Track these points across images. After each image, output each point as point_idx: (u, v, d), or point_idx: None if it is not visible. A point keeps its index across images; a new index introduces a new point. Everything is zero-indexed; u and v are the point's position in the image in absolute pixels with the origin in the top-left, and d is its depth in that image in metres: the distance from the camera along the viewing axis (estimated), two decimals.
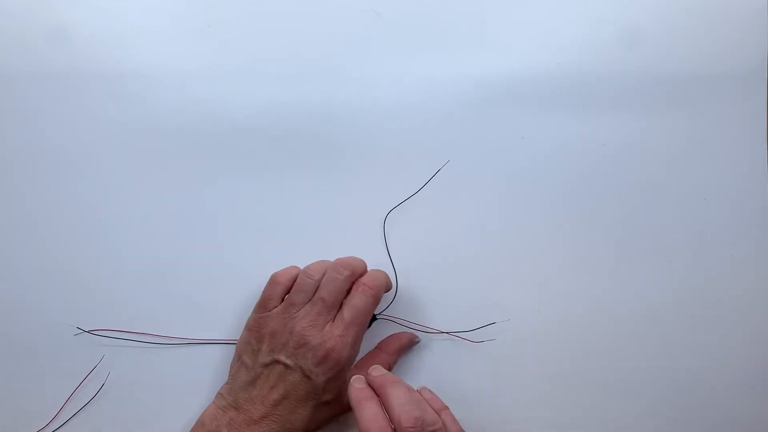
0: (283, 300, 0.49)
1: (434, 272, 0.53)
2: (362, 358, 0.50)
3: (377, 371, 0.46)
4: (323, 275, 0.48)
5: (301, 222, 0.53)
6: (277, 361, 0.46)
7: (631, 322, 0.53)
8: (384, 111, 0.54)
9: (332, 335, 0.45)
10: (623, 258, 0.53)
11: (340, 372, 0.46)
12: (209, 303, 0.52)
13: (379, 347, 0.51)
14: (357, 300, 0.47)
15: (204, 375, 0.52)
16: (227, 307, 0.52)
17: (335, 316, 0.47)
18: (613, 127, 0.54)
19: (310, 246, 0.53)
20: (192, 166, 0.54)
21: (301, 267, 0.50)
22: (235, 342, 0.50)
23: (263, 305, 0.49)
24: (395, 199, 0.53)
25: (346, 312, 0.46)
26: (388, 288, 0.50)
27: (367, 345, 0.51)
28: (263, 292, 0.49)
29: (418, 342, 0.51)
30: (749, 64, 0.54)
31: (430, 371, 0.52)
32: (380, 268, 0.51)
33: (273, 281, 0.49)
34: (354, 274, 0.48)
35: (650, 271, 0.53)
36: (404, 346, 0.51)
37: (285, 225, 0.53)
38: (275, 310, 0.48)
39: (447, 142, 0.54)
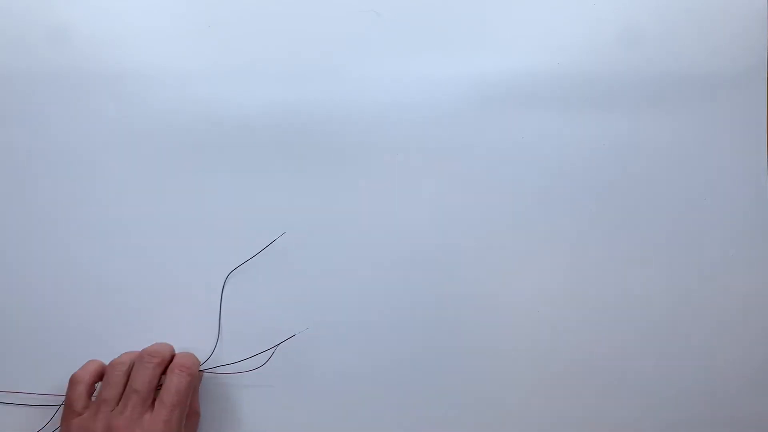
0: (89, 398, 0.47)
1: (431, 270, 0.53)
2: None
3: None
4: (131, 365, 0.47)
5: (301, 220, 0.53)
6: None
7: (630, 322, 0.53)
8: (384, 111, 0.54)
9: (156, 423, 0.44)
10: (623, 258, 0.53)
11: None
12: (209, 302, 0.52)
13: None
14: (176, 382, 0.46)
15: None
16: (227, 306, 0.52)
17: (153, 403, 0.45)
18: (614, 127, 0.54)
19: (311, 244, 0.53)
20: (192, 166, 0.53)
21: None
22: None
23: (69, 409, 0.46)
24: (395, 198, 0.53)
25: (167, 396, 0.45)
26: (198, 365, 0.49)
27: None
28: (66, 396, 0.47)
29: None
30: (749, 64, 0.54)
31: None
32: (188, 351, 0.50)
33: (73, 381, 0.47)
34: (163, 360, 0.48)
35: (650, 270, 0.53)
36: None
37: (285, 223, 0.53)
38: (86, 412, 0.46)
39: (447, 142, 0.54)
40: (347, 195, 0.54)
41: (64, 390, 0.48)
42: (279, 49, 0.54)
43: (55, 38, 0.54)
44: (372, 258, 0.53)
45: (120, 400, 0.46)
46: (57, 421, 0.49)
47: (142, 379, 0.46)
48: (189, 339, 0.51)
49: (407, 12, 0.55)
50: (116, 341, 0.51)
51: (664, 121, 0.54)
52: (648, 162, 0.54)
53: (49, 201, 0.53)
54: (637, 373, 0.53)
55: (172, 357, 0.49)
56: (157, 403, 0.45)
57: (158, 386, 0.47)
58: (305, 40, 0.55)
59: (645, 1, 0.55)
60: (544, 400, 0.52)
